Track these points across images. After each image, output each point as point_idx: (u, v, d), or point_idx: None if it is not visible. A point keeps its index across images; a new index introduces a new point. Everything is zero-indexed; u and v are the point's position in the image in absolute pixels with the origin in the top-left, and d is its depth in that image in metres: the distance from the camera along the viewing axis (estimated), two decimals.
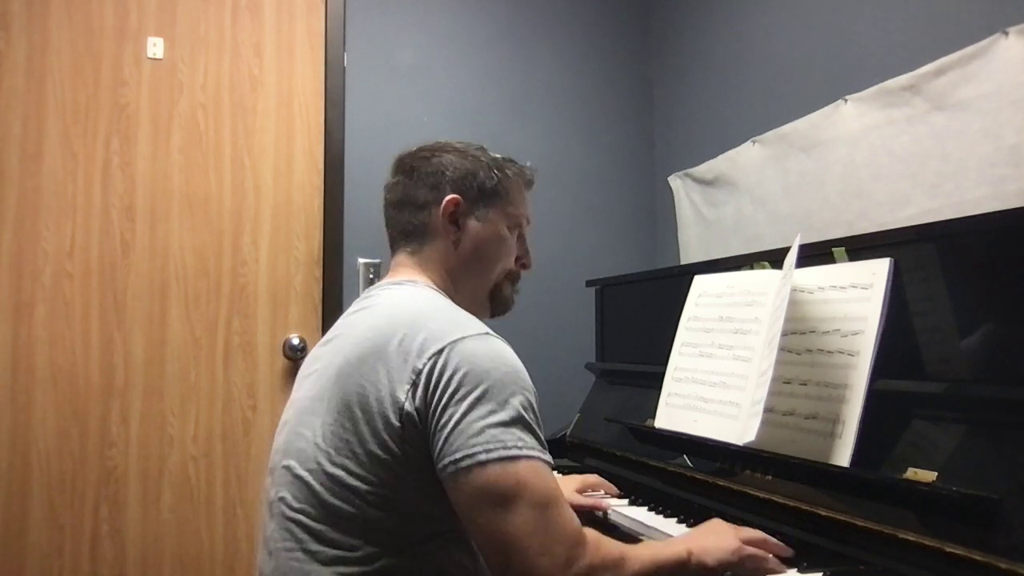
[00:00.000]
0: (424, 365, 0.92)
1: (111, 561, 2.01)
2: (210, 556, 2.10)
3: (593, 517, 1.37)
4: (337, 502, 0.94)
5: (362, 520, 0.93)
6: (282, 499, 0.99)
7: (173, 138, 2.14)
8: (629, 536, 1.31)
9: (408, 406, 0.92)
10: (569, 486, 1.43)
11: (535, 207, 1.25)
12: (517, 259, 1.20)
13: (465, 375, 0.91)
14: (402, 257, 1.15)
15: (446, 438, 0.89)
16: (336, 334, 1.09)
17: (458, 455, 0.89)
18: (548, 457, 0.93)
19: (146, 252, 2.10)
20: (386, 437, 0.92)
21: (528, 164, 1.22)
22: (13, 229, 2.00)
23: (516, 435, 0.90)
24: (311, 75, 2.28)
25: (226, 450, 2.13)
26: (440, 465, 0.90)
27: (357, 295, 2.21)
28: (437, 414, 0.91)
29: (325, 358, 1.05)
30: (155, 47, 2.14)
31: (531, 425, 0.93)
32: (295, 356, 2.18)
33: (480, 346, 0.94)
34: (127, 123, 2.11)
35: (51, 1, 2.06)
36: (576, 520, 0.92)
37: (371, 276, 2.27)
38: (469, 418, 0.89)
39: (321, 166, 2.26)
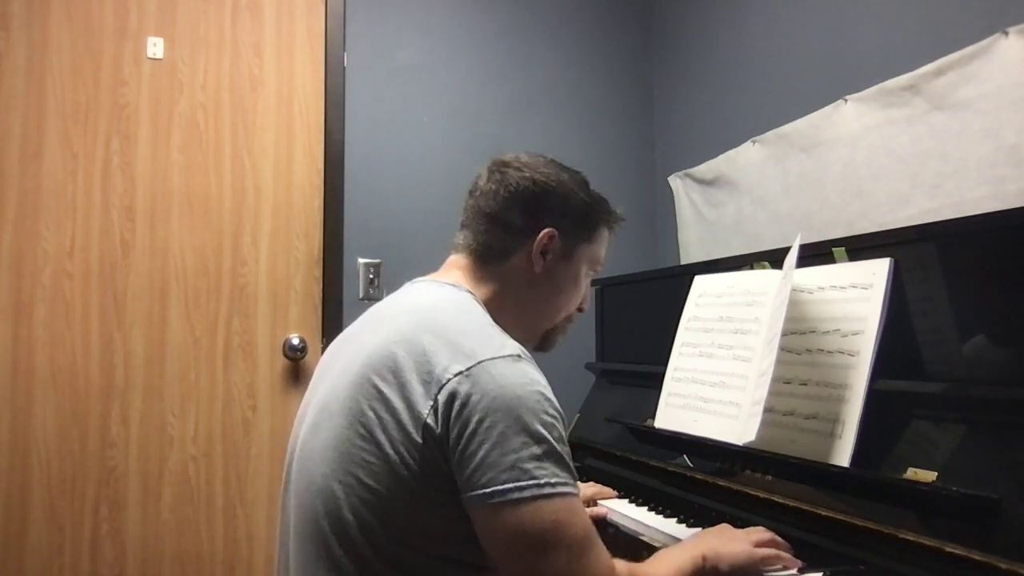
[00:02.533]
0: (449, 381, 0.87)
1: (111, 561, 2.01)
2: (210, 556, 2.10)
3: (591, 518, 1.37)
4: (349, 511, 0.89)
5: (369, 531, 0.88)
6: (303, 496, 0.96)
7: (173, 138, 2.14)
8: (629, 536, 1.32)
9: (430, 421, 0.87)
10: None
11: None
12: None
13: (494, 400, 0.86)
14: (464, 261, 1.08)
15: (476, 468, 0.84)
16: (364, 327, 1.04)
17: (489, 490, 0.84)
18: (579, 488, 0.90)
19: (146, 252, 2.10)
20: (403, 450, 0.87)
21: (620, 209, 1.16)
22: (13, 229, 2.00)
23: (550, 470, 0.85)
24: (311, 75, 2.28)
25: (226, 450, 2.13)
26: (469, 495, 0.85)
27: (357, 295, 2.25)
28: (464, 440, 0.85)
29: (350, 353, 1.00)
30: (155, 47, 2.14)
31: (563, 457, 0.88)
32: (295, 356, 2.18)
33: (509, 370, 0.88)
34: (127, 123, 2.11)
35: (51, 1, 2.06)
36: (608, 556, 0.89)
37: (371, 276, 2.26)
38: (501, 450, 0.84)
39: (321, 166, 2.26)
